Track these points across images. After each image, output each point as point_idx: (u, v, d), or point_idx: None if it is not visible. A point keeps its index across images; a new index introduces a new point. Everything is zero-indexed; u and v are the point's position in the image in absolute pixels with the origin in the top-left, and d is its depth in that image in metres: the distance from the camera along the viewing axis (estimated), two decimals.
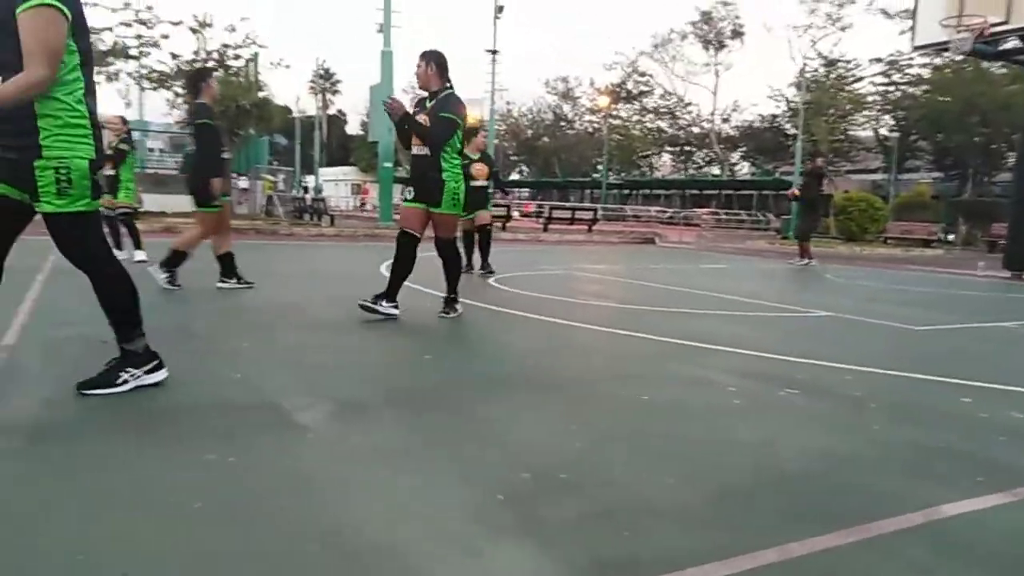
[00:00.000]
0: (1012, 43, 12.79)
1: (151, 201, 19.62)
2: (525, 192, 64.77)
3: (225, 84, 19.59)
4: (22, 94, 2.39)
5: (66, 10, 2.44)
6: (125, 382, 2.80)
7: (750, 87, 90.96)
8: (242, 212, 19.61)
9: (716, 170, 52.37)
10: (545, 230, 21.66)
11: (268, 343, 4.09)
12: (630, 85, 51.38)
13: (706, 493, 2.13)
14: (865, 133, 40.59)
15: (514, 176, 68.46)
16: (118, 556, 1.62)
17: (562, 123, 59.11)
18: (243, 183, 21.22)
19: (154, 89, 20.12)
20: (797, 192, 12.86)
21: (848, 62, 39.03)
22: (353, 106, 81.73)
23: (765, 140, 47.58)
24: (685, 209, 44.11)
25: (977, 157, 33.99)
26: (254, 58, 21.51)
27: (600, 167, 51.95)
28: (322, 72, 66.97)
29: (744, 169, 54.18)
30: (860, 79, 38.58)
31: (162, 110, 22.63)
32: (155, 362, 2.91)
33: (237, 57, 20.19)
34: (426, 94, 4.81)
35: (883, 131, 39.38)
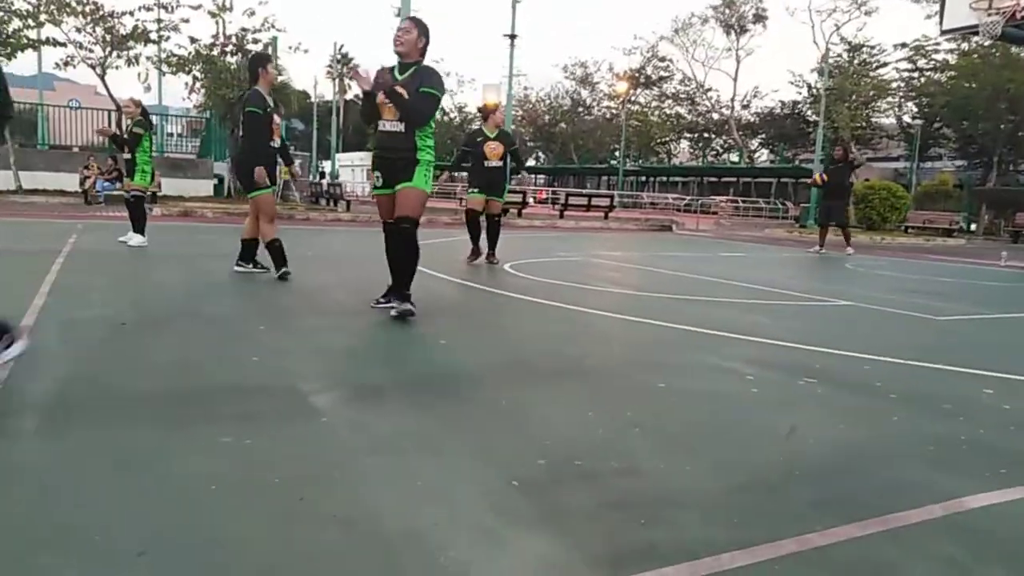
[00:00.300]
0: None
1: (169, 185, 19.78)
2: (541, 179, 64.55)
3: (243, 69, 19.65)
4: None
5: None
6: None
7: (771, 73, 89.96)
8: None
9: (735, 157, 51.89)
10: (561, 217, 21.58)
11: (284, 327, 4.10)
12: (649, 70, 50.85)
13: (726, 482, 2.11)
14: (888, 120, 39.96)
15: (531, 162, 68.23)
16: (135, 537, 1.63)
17: (580, 109, 58.69)
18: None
19: (173, 73, 20.20)
20: (823, 178, 12.61)
21: (872, 47, 38.40)
22: None
23: (785, 127, 47.01)
24: (703, 196, 43.81)
25: (1003, 145, 33.37)
26: (273, 42, 21.51)
27: (617, 153, 51.60)
28: (340, 57, 66.95)
29: (763, 156, 53.62)
30: (884, 65, 37.94)
31: (181, 94, 22.72)
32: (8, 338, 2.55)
33: (256, 42, 20.18)
34: (392, 63, 4.38)
35: (906, 118, 38.75)
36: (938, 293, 7.53)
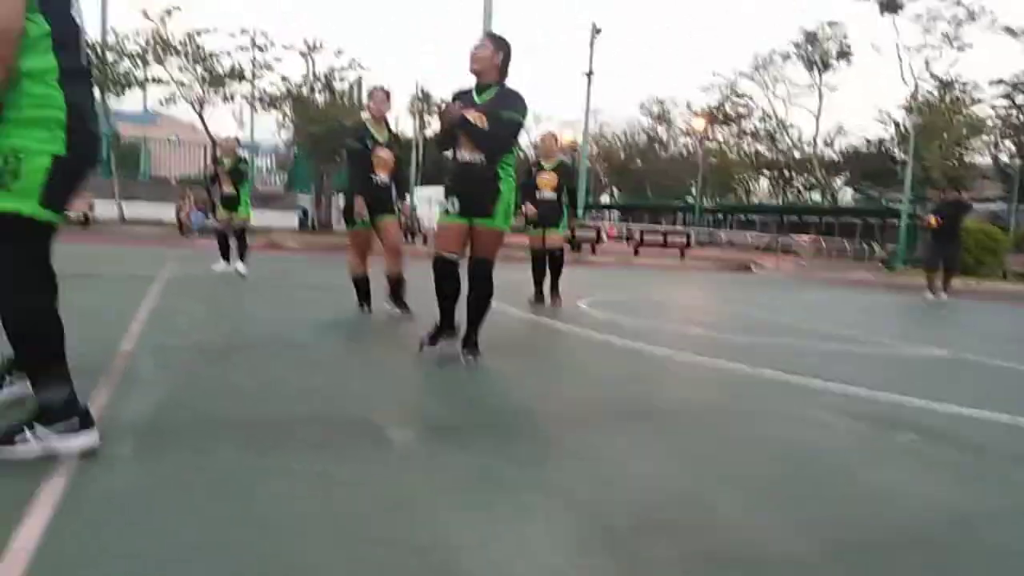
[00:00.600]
0: None
1: (258, 217, 20.70)
2: (616, 215, 64.34)
3: (330, 106, 20.51)
4: None
5: None
6: (26, 442, 2.16)
7: (856, 109, 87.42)
8: (340, 229, 20.32)
9: (817, 196, 50.45)
10: (636, 254, 21.41)
11: (362, 356, 4.17)
12: (727, 107, 50.32)
13: (820, 544, 1.98)
14: (983, 159, 38.16)
15: (604, 198, 68.16)
16: (210, 564, 1.64)
17: (656, 145, 58.46)
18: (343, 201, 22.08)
19: (265, 110, 21.28)
20: (938, 220, 11.91)
21: (965, 83, 36.91)
22: None
23: (871, 165, 45.44)
24: (783, 236, 42.69)
25: None
26: (357, 81, 22.40)
27: (694, 190, 51.00)
28: (420, 94, 69.01)
29: (847, 196, 51.98)
30: (978, 101, 36.37)
31: (271, 129, 23.83)
32: (76, 419, 2.21)
33: (342, 80, 21.04)
34: (469, 85, 4.01)
35: (1003, 157, 36.92)
36: None
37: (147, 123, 38.42)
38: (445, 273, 4.01)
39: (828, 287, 14.22)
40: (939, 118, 34.89)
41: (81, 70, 2.19)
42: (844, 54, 45.29)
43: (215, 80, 20.26)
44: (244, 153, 9.38)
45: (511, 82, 4.02)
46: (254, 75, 20.70)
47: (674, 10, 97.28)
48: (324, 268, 10.91)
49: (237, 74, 20.33)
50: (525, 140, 65.68)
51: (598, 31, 27.12)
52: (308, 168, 23.23)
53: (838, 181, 50.54)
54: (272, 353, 4.08)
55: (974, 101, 36.55)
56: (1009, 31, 34.46)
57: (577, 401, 3.46)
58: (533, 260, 7.51)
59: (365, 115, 5.79)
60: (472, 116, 3.81)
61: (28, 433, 2.17)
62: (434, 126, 64.62)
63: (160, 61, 19.79)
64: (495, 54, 3.86)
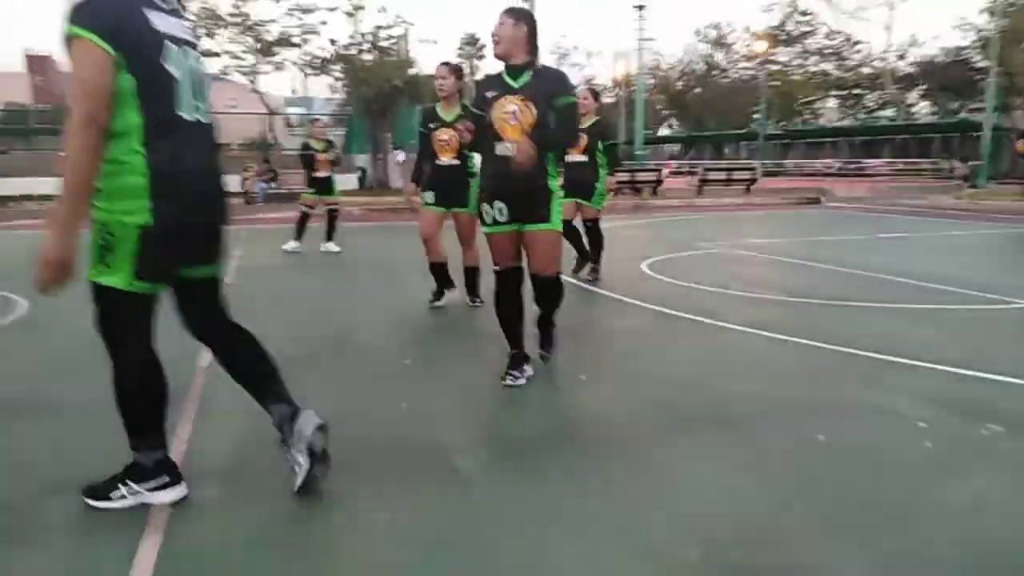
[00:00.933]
0: None
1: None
2: (675, 148, 62.55)
3: (379, 65, 20.39)
4: (73, 155, 1.91)
5: (103, 43, 1.91)
6: (123, 497, 2.29)
7: (931, 18, 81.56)
8: (398, 186, 20.43)
9: (890, 113, 47.74)
10: (699, 194, 20.83)
11: (429, 361, 4.20)
12: (790, 26, 47.67)
13: None
14: None
15: (663, 131, 66.23)
16: None
17: (714, 72, 56.12)
18: (400, 156, 22.10)
19: (316, 75, 21.35)
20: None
21: None
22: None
23: (949, 76, 42.55)
24: (854, 159, 40.73)
25: None
26: (404, 35, 22.14)
27: (757, 116, 48.96)
28: (468, 38, 67.90)
29: (924, 110, 49.02)
30: None
31: (324, 93, 23.94)
32: (166, 479, 2.32)
33: (389, 38, 20.83)
34: (497, 69, 3.52)
35: None
36: None
37: None
38: (508, 290, 3.57)
39: (906, 220, 13.53)
40: None
41: (176, 123, 2.07)
42: None
43: (265, 48, 20.37)
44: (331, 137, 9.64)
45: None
46: (303, 40, 20.74)
47: None
48: (388, 237, 11.00)
49: (285, 40, 20.38)
50: (576, 77, 64.09)
51: None
52: (363, 128, 23.25)
53: (912, 96, 47.64)
54: (344, 365, 4.14)
55: None
56: None
57: (645, 404, 3.39)
58: (566, 231, 6.66)
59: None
60: (509, 107, 3.35)
61: (123, 489, 2.31)
62: (482, 71, 63.33)
63: (211, 35, 19.98)
64: (517, 28, 3.35)
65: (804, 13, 46.53)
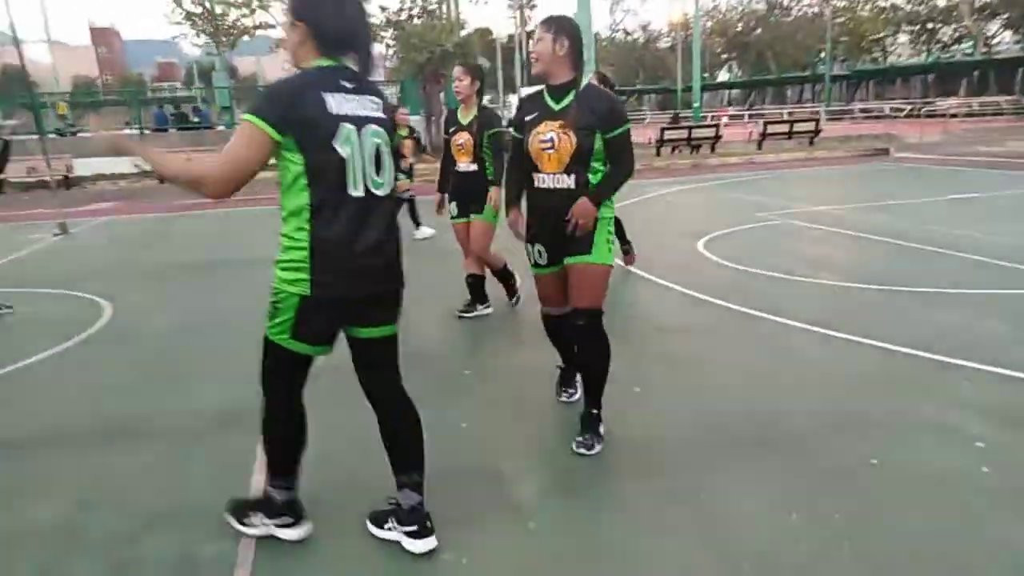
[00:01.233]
0: None
1: None
2: (735, 93, 60.48)
3: (429, 29, 20.28)
4: (181, 175, 2.10)
5: (268, 127, 2.05)
6: (255, 526, 2.58)
7: None
8: None
9: (968, 47, 44.93)
10: (759, 148, 20.23)
11: (487, 370, 4.33)
12: None
13: None
14: None
15: (723, 76, 64.04)
16: None
17: (776, 11, 53.67)
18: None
19: None
20: None
21: None
22: None
23: None
24: (927, 99, 38.62)
25: None
26: None
27: (823, 55, 46.77)
28: None
29: (1006, 41, 45.96)
30: None
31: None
32: (290, 519, 2.56)
33: (439, 2, 20.64)
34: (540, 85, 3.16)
35: None
36: None
37: (262, 54, 39.81)
38: (557, 331, 3.49)
39: (983, 176, 12.89)
40: None
41: (343, 202, 2.16)
42: None
43: None
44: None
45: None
46: None
47: None
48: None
49: None
50: (632, 22, 62.01)
51: None
52: (415, 91, 23.28)
53: (993, 26, 44.70)
54: (409, 374, 4.31)
55: None
56: None
57: (700, 424, 3.43)
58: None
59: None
60: (550, 133, 3.02)
61: (255, 517, 2.58)
62: (534, 21, 61.94)
63: (265, 7, 20.19)
64: (558, 44, 2.98)
65: None
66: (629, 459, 3.12)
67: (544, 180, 3.10)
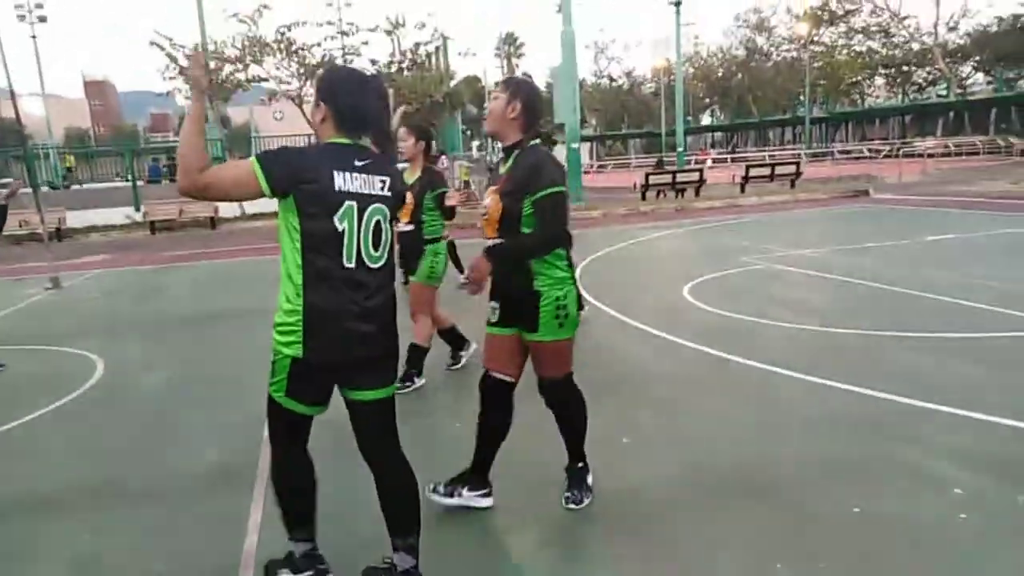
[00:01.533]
0: None
1: None
2: (718, 135, 61.68)
3: (419, 80, 20.73)
4: (189, 148, 2.17)
5: (264, 180, 2.18)
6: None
7: None
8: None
9: (942, 89, 46.21)
10: (742, 191, 20.62)
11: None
12: (833, 5, 46.53)
13: None
14: None
15: (705, 119, 65.38)
16: None
17: (756, 57, 55.11)
18: (444, 162, 22.46)
19: None
20: None
21: None
22: (539, 69, 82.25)
23: (1006, 45, 41.04)
24: (905, 139, 39.54)
25: None
26: (443, 44, 22.42)
27: (802, 98, 47.92)
28: (505, 37, 68.07)
29: (978, 82, 47.31)
30: None
31: None
32: (312, 572, 2.60)
33: (427, 55, 21.17)
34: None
35: None
36: None
37: (255, 103, 40.42)
38: (492, 399, 3.13)
39: (959, 216, 13.21)
40: None
41: (337, 272, 2.27)
42: None
43: (309, 71, 20.88)
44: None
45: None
46: (345, 61, 21.16)
47: None
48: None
49: (329, 63, 20.85)
50: (617, 69, 63.32)
51: None
52: None
53: (965, 69, 46.06)
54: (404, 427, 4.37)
55: None
56: None
57: (688, 473, 3.49)
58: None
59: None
60: (488, 198, 2.96)
61: (281, 571, 2.63)
62: (522, 68, 62.58)
63: (258, 61, 20.60)
64: (510, 106, 2.91)
65: None
66: (617, 512, 3.17)
67: (487, 241, 2.98)
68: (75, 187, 28.67)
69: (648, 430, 4.10)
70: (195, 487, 3.64)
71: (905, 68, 47.04)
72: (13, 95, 12.99)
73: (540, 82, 69.15)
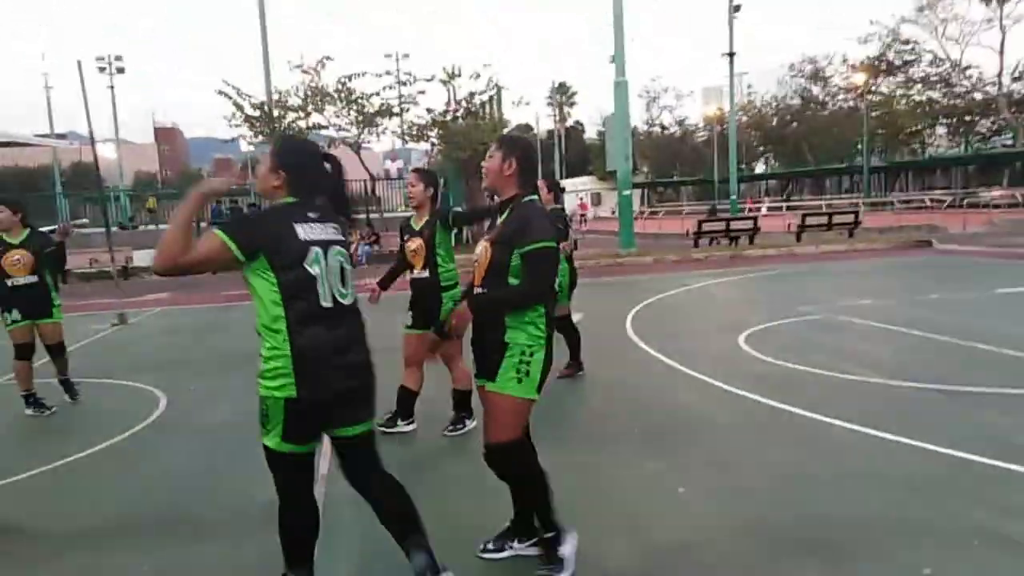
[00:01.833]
0: None
1: None
2: (772, 183, 61.08)
3: (474, 128, 21.20)
4: (176, 232, 2.37)
5: (235, 247, 2.36)
6: None
7: None
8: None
9: (1007, 139, 44.99)
10: (798, 240, 20.28)
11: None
12: (891, 56, 46.06)
13: None
14: None
15: (759, 167, 64.92)
16: None
17: (812, 105, 54.71)
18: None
19: (415, 141, 22.41)
20: None
21: None
22: (589, 117, 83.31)
23: None
24: (969, 188, 38.46)
25: None
26: (497, 94, 22.93)
27: (859, 147, 47.23)
28: (557, 86, 69.34)
29: None
30: None
31: (419, 159, 25.09)
32: None
33: (483, 104, 21.68)
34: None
35: None
36: None
37: None
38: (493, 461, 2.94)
39: None
40: None
41: (317, 313, 2.44)
42: None
43: (367, 120, 21.58)
44: None
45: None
46: (402, 110, 21.85)
47: None
48: None
49: (386, 111, 21.55)
50: (668, 118, 63.59)
51: (737, 7, 25.84)
52: (457, 183, 24.13)
53: None
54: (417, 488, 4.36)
55: None
56: None
57: (748, 528, 3.38)
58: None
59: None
60: (479, 251, 2.97)
61: None
62: (574, 117, 63.10)
63: (319, 109, 21.40)
64: (506, 163, 2.95)
65: (906, 42, 44.88)
66: (670, 565, 3.10)
67: (476, 292, 3.00)
68: (145, 227, 29.93)
69: (705, 481, 3.99)
70: (257, 520, 3.67)
71: (968, 118, 46.00)
72: (93, 143, 13.82)
73: (592, 129, 70.13)
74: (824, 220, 21.60)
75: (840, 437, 4.56)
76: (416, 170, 5.04)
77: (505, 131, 22.53)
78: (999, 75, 42.53)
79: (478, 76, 21.60)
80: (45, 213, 26.15)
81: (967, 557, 3.02)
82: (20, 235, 5.84)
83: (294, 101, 21.38)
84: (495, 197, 3.06)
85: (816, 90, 54.34)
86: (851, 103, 50.58)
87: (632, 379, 6.38)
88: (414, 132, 22.09)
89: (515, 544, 3.17)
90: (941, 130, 50.28)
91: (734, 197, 32.01)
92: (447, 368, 4.89)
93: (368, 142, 22.35)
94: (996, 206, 28.96)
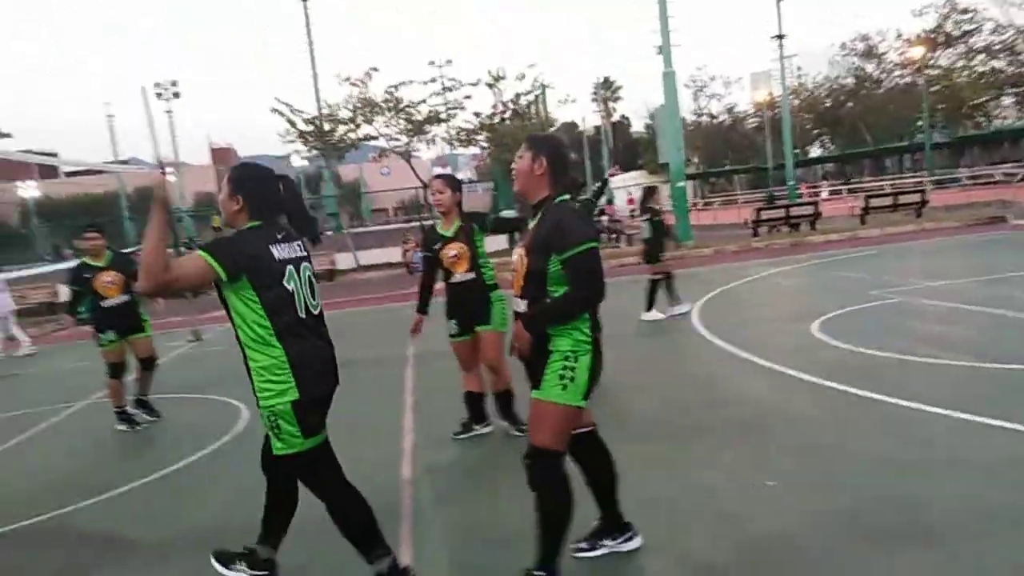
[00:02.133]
0: None
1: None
2: (829, 166, 59.42)
3: (521, 129, 21.26)
4: (152, 251, 2.50)
5: (220, 268, 2.55)
6: (239, 572, 3.15)
7: None
8: None
9: None
10: (863, 223, 19.68)
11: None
12: (949, 27, 44.22)
13: None
14: None
15: (815, 151, 63.22)
16: None
17: (866, 84, 52.94)
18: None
19: (464, 146, 22.62)
20: None
21: None
22: (635, 110, 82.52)
23: None
24: None
25: None
26: (542, 93, 22.96)
27: (920, 124, 45.50)
28: (602, 82, 68.85)
29: None
30: None
31: (467, 163, 25.25)
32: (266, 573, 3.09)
33: (528, 105, 21.73)
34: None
35: None
36: None
37: (364, 161, 42.62)
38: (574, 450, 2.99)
39: None
40: None
41: (298, 323, 2.72)
42: None
43: (416, 128, 21.86)
44: None
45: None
46: (449, 116, 22.09)
47: None
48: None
49: (434, 118, 21.81)
50: (717, 106, 62.63)
51: None
52: (508, 189, 24.25)
53: None
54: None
55: None
56: None
57: (841, 517, 3.31)
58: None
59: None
60: (517, 252, 2.87)
61: (240, 565, 3.13)
62: (620, 111, 62.47)
63: (369, 121, 21.79)
64: (536, 163, 2.84)
65: (964, 11, 43.03)
66: (771, 559, 3.04)
67: (515, 304, 2.90)
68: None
69: (794, 473, 3.90)
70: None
71: None
72: (163, 168, 14.35)
73: (639, 122, 69.33)
74: (889, 201, 20.90)
75: (926, 421, 4.41)
76: (441, 176, 4.93)
77: (551, 130, 22.57)
78: None
79: (523, 77, 21.68)
80: (114, 236, 27.31)
81: None
82: (104, 258, 6.16)
83: (344, 114, 21.82)
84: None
85: (870, 68, 52.53)
86: (908, 79, 48.74)
87: (706, 372, 6.29)
88: (463, 137, 22.28)
89: (608, 542, 3.16)
90: (1008, 100, 47.96)
91: (792, 183, 31.23)
92: (491, 373, 4.87)
93: (417, 150, 22.65)
94: None
